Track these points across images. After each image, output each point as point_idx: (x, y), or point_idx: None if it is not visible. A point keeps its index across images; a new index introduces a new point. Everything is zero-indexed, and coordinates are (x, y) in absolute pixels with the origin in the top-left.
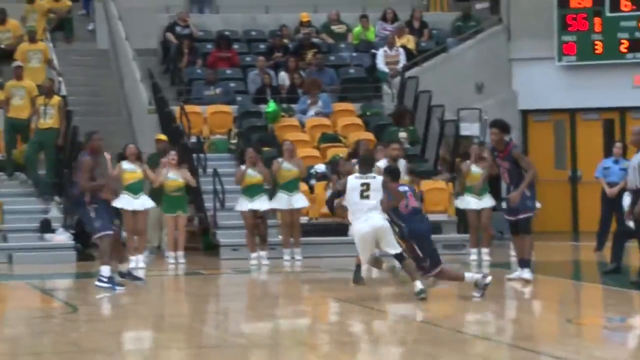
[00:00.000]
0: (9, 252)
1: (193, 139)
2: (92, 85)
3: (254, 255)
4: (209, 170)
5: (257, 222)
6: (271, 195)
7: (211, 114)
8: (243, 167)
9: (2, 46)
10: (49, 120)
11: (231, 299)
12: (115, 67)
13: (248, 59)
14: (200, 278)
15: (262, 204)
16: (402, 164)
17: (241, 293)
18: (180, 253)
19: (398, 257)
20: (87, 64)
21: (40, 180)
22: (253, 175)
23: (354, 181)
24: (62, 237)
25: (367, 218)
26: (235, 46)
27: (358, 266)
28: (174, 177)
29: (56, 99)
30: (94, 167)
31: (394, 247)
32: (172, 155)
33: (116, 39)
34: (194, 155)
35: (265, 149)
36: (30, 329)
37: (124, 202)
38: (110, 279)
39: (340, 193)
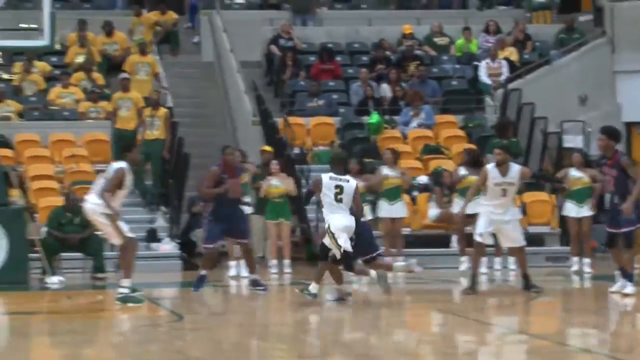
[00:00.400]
0: (116, 261)
1: (296, 150)
2: (197, 97)
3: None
4: (312, 181)
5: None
6: (373, 205)
7: (314, 126)
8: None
9: (109, 57)
10: (156, 131)
11: (334, 309)
12: (220, 79)
13: (351, 71)
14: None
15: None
16: (515, 168)
17: (343, 304)
18: (287, 262)
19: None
20: (193, 76)
21: (147, 191)
22: None
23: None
24: (167, 246)
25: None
26: (338, 58)
27: (473, 275)
28: (277, 184)
29: (162, 110)
30: (218, 178)
31: None
32: (275, 164)
33: (221, 51)
34: (297, 166)
35: (368, 160)
36: (138, 336)
37: None
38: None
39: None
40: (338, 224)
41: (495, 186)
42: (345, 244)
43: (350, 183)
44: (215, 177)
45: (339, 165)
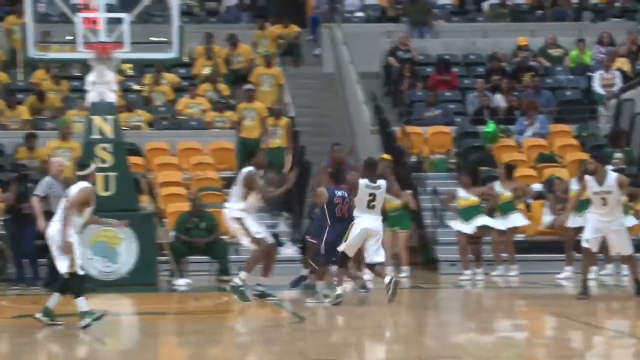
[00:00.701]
0: (241, 264)
1: (413, 159)
2: (318, 107)
3: (467, 272)
4: (429, 189)
5: (474, 241)
6: (489, 214)
7: (431, 135)
8: (460, 191)
9: (234, 68)
10: (278, 140)
11: (449, 312)
12: (340, 90)
13: (466, 81)
14: (420, 292)
15: (471, 227)
16: (611, 177)
17: (459, 306)
18: (405, 268)
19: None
20: (314, 87)
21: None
22: (466, 197)
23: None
24: (289, 250)
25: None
26: (455, 69)
27: (584, 281)
28: (392, 199)
29: (284, 120)
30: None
31: None
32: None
33: (341, 63)
34: (414, 174)
35: (483, 168)
36: (261, 337)
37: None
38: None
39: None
40: (363, 225)
41: (594, 195)
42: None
43: (382, 189)
44: (325, 171)
45: (372, 171)
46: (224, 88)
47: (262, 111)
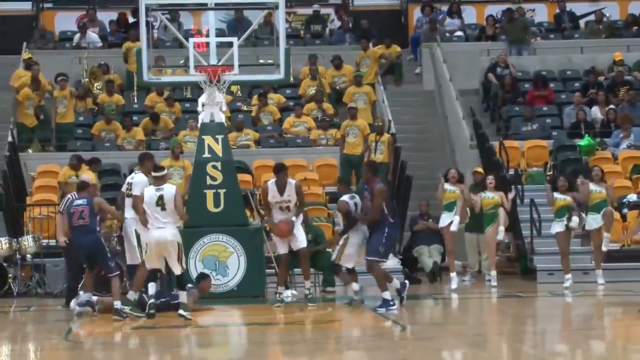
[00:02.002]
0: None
1: (511, 172)
2: (419, 124)
3: (567, 276)
4: (526, 201)
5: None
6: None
7: (528, 148)
8: (555, 193)
9: (338, 88)
10: (380, 155)
11: (548, 320)
12: (440, 107)
13: (563, 96)
14: (518, 300)
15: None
16: None
17: (557, 315)
18: (493, 273)
19: None
20: (415, 105)
21: None
22: (562, 198)
23: None
24: (391, 262)
25: None
26: (551, 85)
27: None
28: (490, 195)
29: (386, 136)
30: None
31: None
32: (490, 179)
33: (441, 80)
34: (512, 187)
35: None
36: (364, 345)
37: (444, 220)
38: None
39: None
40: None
41: None
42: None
43: None
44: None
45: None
46: (328, 107)
47: (364, 128)
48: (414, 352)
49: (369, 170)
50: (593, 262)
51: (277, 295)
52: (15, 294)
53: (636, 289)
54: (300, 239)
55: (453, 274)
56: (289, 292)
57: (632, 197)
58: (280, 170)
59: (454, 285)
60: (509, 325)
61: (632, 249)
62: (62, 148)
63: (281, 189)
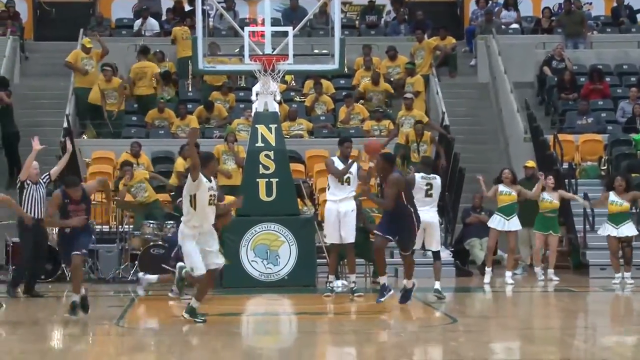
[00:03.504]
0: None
1: (565, 165)
2: (473, 116)
3: (617, 275)
4: (580, 195)
5: (622, 246)
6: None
7: (583, 142)
8: (611, 194)
9: (392, 80)
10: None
11: (599, 315)
12: (494, 99)
13: (619, 90)
14: (570, 295)
15: (628, 229)
16: None
17: (607, 310)
18: (551, 271)
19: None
20: (469, 97)
21: None
22: (618, 202)
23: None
24: (443, 254)
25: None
26: (607, 79)
27: None
28: (549, 198)
29: (427, 135)
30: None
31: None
32: (551, 179)
33: (496, 73)
34: (566, 181)
35: (635, 175)
36: (414, 337)
37: (496, 222)
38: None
39: None
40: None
41: None
42: None
43: (437, 180)
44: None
45: (428, 167)
46: (380, 98)
47: (422, 118)
48: (464, 344)
49: (384, 161)
50: None
51: (327, 285)
52: (68, 278)
53: None
54: (350, 233)
55: (488, 270)
56: (339, 282)
57: None
58: (344, 141)
59: (486, 280)
60: (560, 319)
61: None
62: (117, 135)
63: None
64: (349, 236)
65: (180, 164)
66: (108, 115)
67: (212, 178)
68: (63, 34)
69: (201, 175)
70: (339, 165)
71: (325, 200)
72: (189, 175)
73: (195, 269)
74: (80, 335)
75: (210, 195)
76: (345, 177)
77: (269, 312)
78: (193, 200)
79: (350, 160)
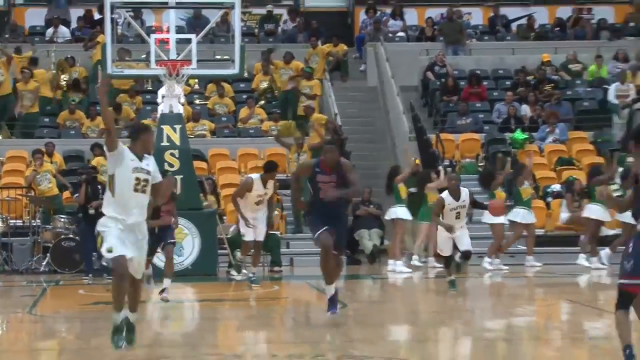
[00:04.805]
0: (289, 257)
1: (446, 162)
2: (363, 117)
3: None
4: None
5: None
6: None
7: (462, 141)
8: None
9: (284, 80)
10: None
11: (477, 299)
12: (382, 102)
13: (495, 93)
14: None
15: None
16: None
17: (485, 294)
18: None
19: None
20: (359, 99)
21: None
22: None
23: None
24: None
25: None
26: (485, 83)
27: None
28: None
29: (306, 146)
30: None
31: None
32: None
33: (384, 77)
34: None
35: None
36: (308, 321)
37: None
38: None
39: None
40: None
41: None
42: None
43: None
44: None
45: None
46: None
47: (320, 121)
48: (354, 327)
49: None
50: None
51: (227, 274)
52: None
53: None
54: (263, 232)
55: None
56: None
57: (556, 187)
58: (270, 169)
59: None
60: (441, 304)
61: (555, 235)
62: (29, 135)
63: (264, 182)
64: (262, 235)
65: (96, 161)
66: (18, 116)
67: (144, 156)
68: None
69: (123, 148)
70: (258, 185)
71: (228, 195)
72: (105, 149)
73: (113, 249)
74: None
75: (137, 179)
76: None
77: (174, 299)
78: (111, 181)
79: None
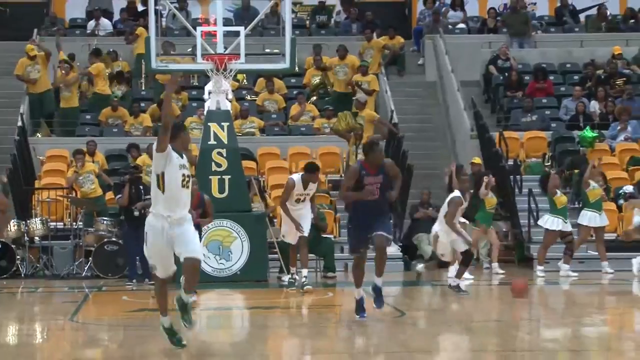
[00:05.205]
0: (345, 262)
1: (510, 162)
2: (421, 114)
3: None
4: (524, 191)
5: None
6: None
7: (527, 139)
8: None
9: (340, 79)
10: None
11: (541, 307)
12: (441, 97)
13: (562, 89)
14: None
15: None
16: None
17: (550, 302)
18: (495, 264)
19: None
20: (417, 95)
21: None
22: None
23: None
24: (391, 249)
25: None
26: (551, 77)
27: None
28: (492, 194)
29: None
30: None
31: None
32: (488, 179)
33: (443, 72)
34: (511, 177)
35: (576, 171)
36: (364, 329)
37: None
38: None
39: None
40: None
41: None
42: None
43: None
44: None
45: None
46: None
47: (371, 118)
48: (412, 337)
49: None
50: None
51: (278, 280)
52: (23, 275)
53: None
54: (307, 227)
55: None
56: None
57: (628, 188)
58: (311, 170)
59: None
60: (502, 312)
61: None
62: (70, 133)
63: (305, 184)
64: (305, 231)
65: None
66: (60, 113)
67: (183, 155)
68: (18, 34)
69: (170, 148)
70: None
71: (277, 197)
72: (154, 148)
73: (152, 267)
74: (35, 331)
75: (183, 175)
76: (303, 197)
77: (222, 306)
78: (161, 180)
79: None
